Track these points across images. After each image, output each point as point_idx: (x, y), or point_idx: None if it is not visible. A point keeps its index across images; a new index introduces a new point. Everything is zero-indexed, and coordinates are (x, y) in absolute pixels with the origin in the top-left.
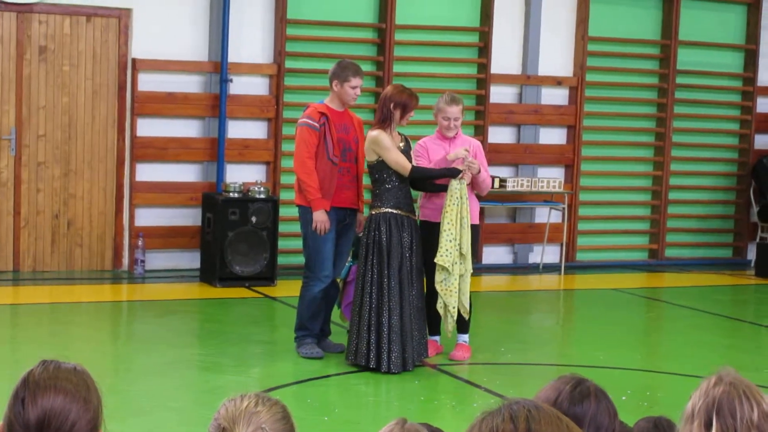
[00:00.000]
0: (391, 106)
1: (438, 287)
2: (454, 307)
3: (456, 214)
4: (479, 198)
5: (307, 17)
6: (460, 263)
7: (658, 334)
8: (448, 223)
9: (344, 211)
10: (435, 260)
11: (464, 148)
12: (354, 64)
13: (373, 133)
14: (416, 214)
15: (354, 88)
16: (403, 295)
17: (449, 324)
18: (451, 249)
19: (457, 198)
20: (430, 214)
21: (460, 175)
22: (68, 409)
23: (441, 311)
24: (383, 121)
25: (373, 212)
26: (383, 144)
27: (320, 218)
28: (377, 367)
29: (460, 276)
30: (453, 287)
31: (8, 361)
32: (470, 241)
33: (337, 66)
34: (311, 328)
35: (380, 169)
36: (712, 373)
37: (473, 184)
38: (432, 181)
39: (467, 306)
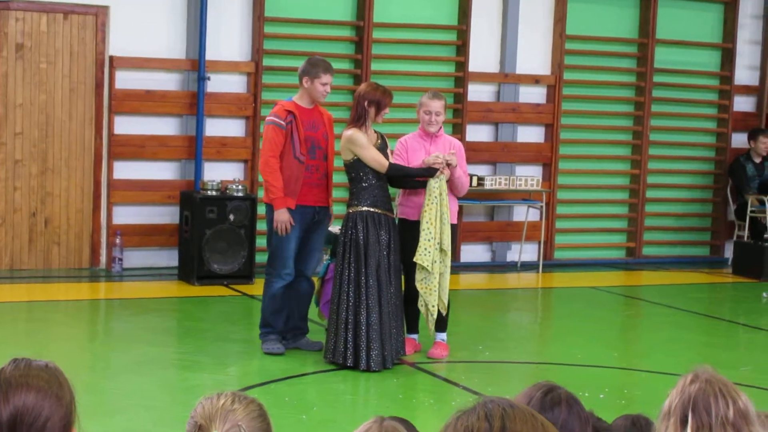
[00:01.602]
0: (365, 103)
1: (418, 286)
2: (434, 306)
3: (435, 212)
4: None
5: (284, 15)
6: (440, 261)
7: (635, 332)
8: (427, 222)
9: (313, 209)
10: (414, 259)
11: (437, 154)
12: (324, 61)
13: (348, 132)
14: (394, 212)
15: (324, 84)
16: (381, 294)
17: (430, 323)
18: (430, 248)
19: (435, 197)
20: (409, 212)
21: (437, 173)
22: (40, 406)
23: (422, 309)
24: (358, 120)
25: (350, 211)
26: (359, 142)
27: (281, 217)
28: (355, 366)
29: (440, 273)
30: (433, 286)
31: None
32: (450, 236)
33: (307, 63)
34: (274, 324)
35: (356, 167)
36: (689, 370)
37: (450, 185)
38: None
39: (446, 302)
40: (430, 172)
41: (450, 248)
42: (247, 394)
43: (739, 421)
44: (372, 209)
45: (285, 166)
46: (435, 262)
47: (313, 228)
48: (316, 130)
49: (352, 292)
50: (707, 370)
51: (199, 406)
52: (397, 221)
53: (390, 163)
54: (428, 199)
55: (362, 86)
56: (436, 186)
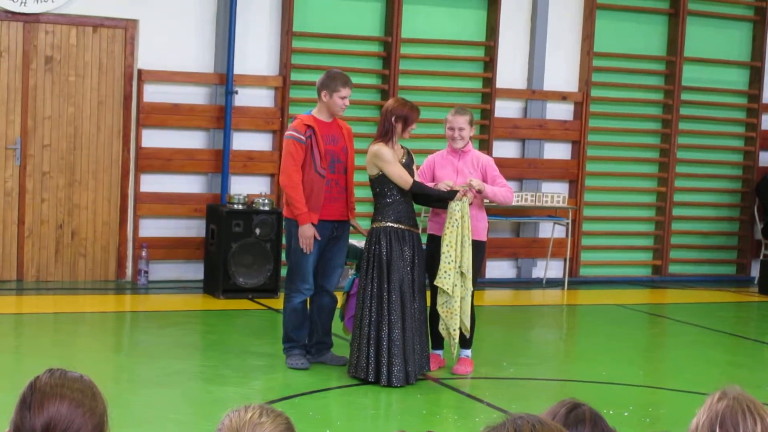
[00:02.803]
0: (393, 119)
1: (439, 309)
2: (455, 330)
3: (456, 236)
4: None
5: (312, 30)
6: (461, 285)
7: (660, 351)
8: (447, 245)
9: (333, 223)
10: (435, 283)
11: (446, 182)
12: (343, 75)
13: (374, 147)
14: (419, 227)
15: (343, 98)
16: (405, 309)
17: (453, 346)
18: (450, 271)
19: (456, 219)
20: (437, 228)
21: (458, 196)
22: (73, 416)
23: (443, 333)
24: (385, 135)
25: (374, 226)
26: (384, 158)
27: (306, 233)
28: (377, 381)
29: (461, 297)
30: (454, 309)
31: (11, 371)
32: (471, 259)
33: (325, 76)
34: (297, 338)
35: (381, 183)
36: (717, 389)
37: (493, 202)
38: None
39: (468, 324)
40: (450, 194)
41: (471, 271)
42: (274, 408)
43: None
44: (395, 225)
45: (306, 181)
46: (456, 285)
47: (333, 242)
48: (335, 144)
49: (375, 308)
50: (735, 389)
51: (226, 418)
52: (426, 237)
53: (414, 181)
54: (449, 222)
55: (390, 101)
56: (458, 209)
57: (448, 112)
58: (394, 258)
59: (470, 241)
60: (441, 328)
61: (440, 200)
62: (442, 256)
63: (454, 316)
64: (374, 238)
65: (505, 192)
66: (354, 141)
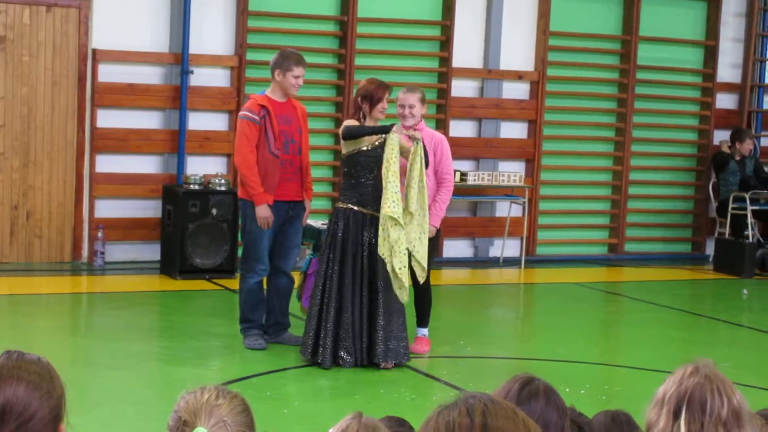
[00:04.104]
0: (359, 99)
1: (387, 249)
2: (400, 269)
3: (396, 167)
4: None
5: (268, 9)
6: (413, 222)
7: (617, 328)
8: (393, 175)
9: (287, 204)
10: (383, 212)
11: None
12: (296, 54)
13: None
14: None
15: (297, 77)
16: (354, 292)
17: (396, 288)
18: (398, 201)
19: (395, 150)
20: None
21: (393, 129)
22: (30, 399)
23: (390, 274)
24: (353, 115)
25: (336, 206)
26: (345, 125)
27: (263, 213)
28: (321, 362)
29: (417, 238)
30: (400, 246)
31: None
32: (424, 204)
33: (278, 55)
34: (254, 319)
35: (349, 163)
36: (691, 362)
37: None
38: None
39: (424, 265)
40: (384, 129)
41: (420, 212)
42: (230, 389)
43: (731, 421)
44: (356, 207)
45: (260, 162)
46: (403, 218)
47: (288, 223)
48: (289, 124)
49: (327, 288)
50: (708, 365)
51: (182, 400)
52: None
53: (345, 126)
54: (388, 152)
55: (361, 82)
56: (395, 139)
57: (399, 91)
58: (350, 240)
59: (424, 185)
60: (388, 267)
61: (375, 134)
62: (387, 186)
63: (398, 254)
64: (333, 218)
65: (445, 197)
66: (309, 121)
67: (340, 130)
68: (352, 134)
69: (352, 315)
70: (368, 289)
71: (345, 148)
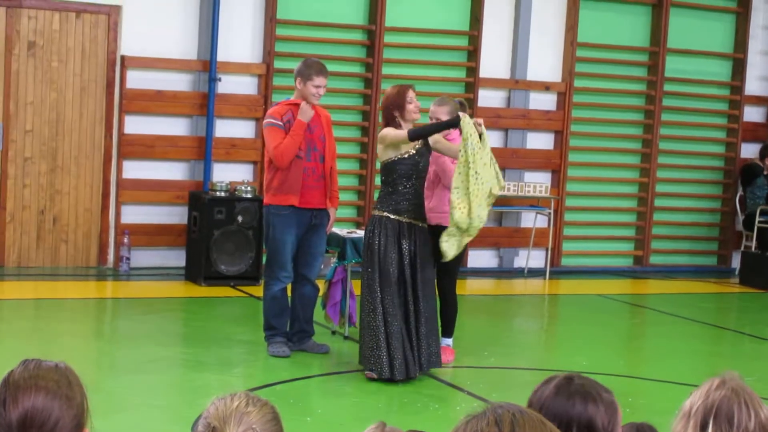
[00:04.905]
0: (389, 110)
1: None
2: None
3: (479, 146)
4: None
5: (296, 17)
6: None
7: (641, 341)
8: (480, 160)
9: (311, 211)
10: (452, 220)
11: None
12: (318, 63)
13: (380, 133)
14: (427, 222)
15: (317, 87)
16: (394, 302)
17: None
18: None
19: (472, 132)
20: (445, 219)
21: (462, 117)
22: (50, 407)
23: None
24: (388, 125)
25: (373, 214)
26: (386, 134)
27: (304, 108)
28: (379, 374)
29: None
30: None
31: None
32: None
33: (301, 64)
34: (278, 326)
35: (387, 171)
36: (716, 375)
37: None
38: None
39: (502, 177)
40: (451, 122)
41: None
42: (261, 396)
43: None
44: (393, 216)
45: None
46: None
47: (312, 230)
48: (312, 132)
49: (369, 298)
50: (734, 378)
51: (212, 406)
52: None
53: (409, 130)
54: (466, 135)
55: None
56: (468, 121)
57: (431, 103)
58: (388, 250)
59: (492, 161)
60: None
61: (442, 130)
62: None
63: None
64: (370, 227)
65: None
66: (336, 129)
67: (388, 136)
68: (418, 134)
69: (402, 324)
70: (412, 296)
71: (383, 155)
